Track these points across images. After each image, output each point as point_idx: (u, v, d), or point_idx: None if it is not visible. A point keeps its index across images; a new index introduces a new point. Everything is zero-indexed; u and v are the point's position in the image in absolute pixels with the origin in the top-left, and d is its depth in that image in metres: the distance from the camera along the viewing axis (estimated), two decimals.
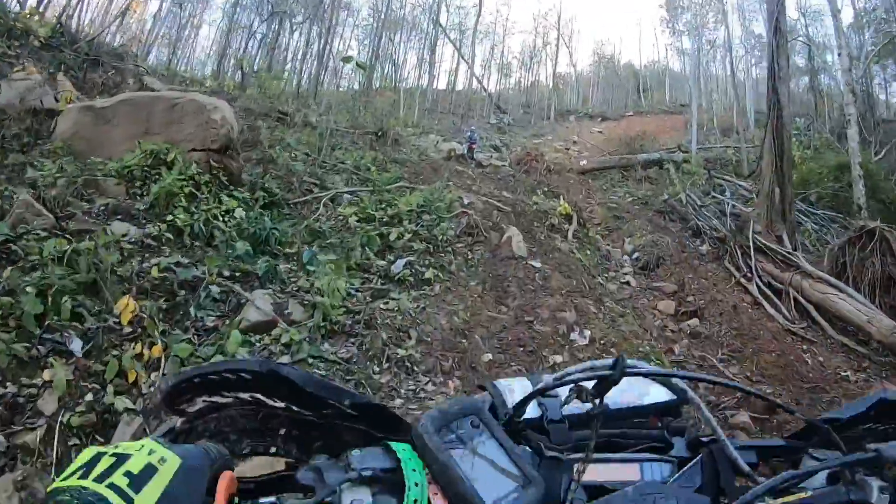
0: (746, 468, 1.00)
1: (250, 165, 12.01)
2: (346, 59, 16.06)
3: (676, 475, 1.06)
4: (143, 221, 8.46)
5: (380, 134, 22.11)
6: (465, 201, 14.05)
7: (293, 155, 14.57)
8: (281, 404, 1.01)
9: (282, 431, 1.05)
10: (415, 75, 54.02)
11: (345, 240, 10.34)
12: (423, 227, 11.55)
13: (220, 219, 9.17)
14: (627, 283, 13.58)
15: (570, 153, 33.88)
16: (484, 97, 50.42)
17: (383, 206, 12.33)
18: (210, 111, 10.33)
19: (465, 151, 25.56)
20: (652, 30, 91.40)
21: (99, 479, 0.69)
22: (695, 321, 11.64)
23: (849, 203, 19.21)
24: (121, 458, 0.73)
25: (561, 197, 18.05)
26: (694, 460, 1.07)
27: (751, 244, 13.90)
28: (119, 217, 8.31)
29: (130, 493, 0.68)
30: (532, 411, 1.09)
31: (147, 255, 7.66)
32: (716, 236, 16.03)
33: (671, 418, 1.19)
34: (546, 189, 21.11)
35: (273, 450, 1.06)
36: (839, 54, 24.28)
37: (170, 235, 8.19)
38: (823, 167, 22.11)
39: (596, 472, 1.01)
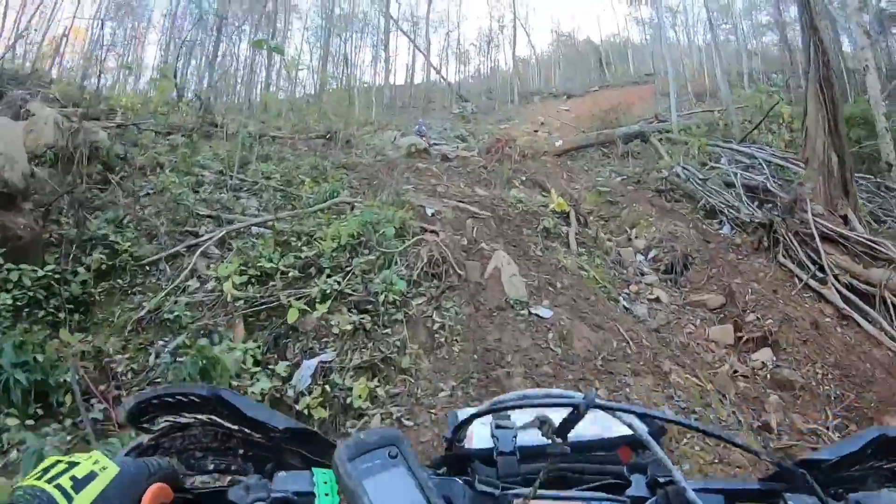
0: None
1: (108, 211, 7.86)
2: (258, 44, 11.85)
3: None
4: None
5: (329, 137, 18.09)
6: (429, 211, 9.94)
7: (196, 178, 10.26)
8: (235, 426, 1.02)
9: (240, 451, 1.06)
10: (371, 73, 49.12)
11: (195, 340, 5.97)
12: (357, 278, 7.18)
13: None
14: (657, 299, 9.48)
15: (539, 135, 30.72)
16: (444, 88, 46.00)
17: (300, 243, 8.06)
18: None
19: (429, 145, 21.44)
20: (609, 1, 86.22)
21: (50, 481, 0.74)
22: (767, 354, 7.80)
23: (871, 161, 16.09)
24: (71, 465, 0.77)
25: (551, 190, 13.64)
26: (648, 502, 0.95)
27: (813, 230, 9.67)
28: None
29: (72, 493, 0.74)
30: (484, 442, 1.06)
31: None
32: (756, 221, 11.68)
33: (642, 451, 1.09)
34: (524, 178, 17.22)
35: (234, 467, 1.06)
36: None
37: None
38: None
39: None
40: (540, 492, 0.90)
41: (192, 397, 0.99)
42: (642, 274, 10.62)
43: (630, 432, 0.90)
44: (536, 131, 31.97)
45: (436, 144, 23.84)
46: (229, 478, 1.04)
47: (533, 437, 1.00)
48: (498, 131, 28.31)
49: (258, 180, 11.35)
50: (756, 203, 14.69)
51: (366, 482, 0.79)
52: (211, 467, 1.06)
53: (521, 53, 58.30)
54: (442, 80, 47.36)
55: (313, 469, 0.90)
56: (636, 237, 12.72)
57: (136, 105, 17.87)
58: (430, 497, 0.80)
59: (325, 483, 0.87)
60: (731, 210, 14.08)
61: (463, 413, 1.09)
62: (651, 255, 11.58)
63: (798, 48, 34.37)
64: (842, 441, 1.07)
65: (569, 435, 0.89)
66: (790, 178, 15.54)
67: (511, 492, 0.94)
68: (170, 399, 1.00)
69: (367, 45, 50.18)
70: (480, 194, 13.18)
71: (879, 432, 0.99)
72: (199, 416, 1.03)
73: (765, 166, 16.17)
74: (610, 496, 0.96)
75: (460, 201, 11.32)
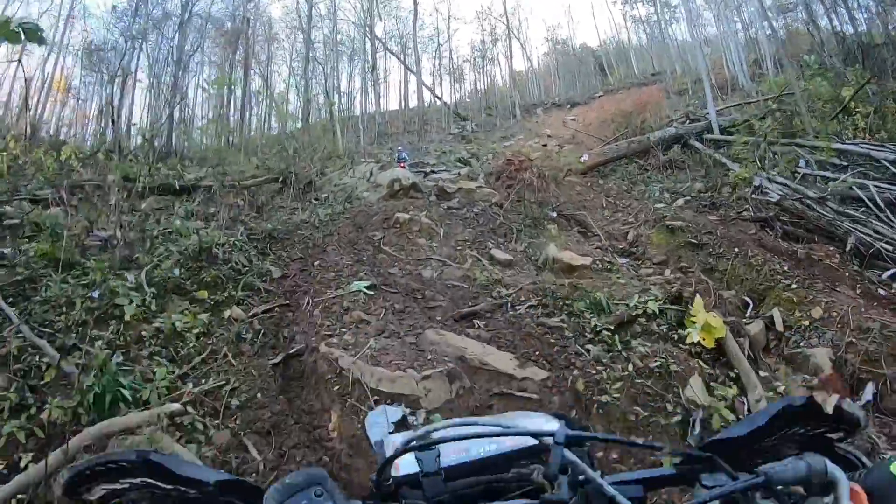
0: None
1: None
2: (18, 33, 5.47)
3: None
4: None
5: (282, 180, 11.64)
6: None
7: None
8: (169, 486, 0.93)
9: None
10: (362, 100, 42.08)
11: None
12: None
13: None
14: None
15: (549, 149, 24.23)
16: (440, 108, 39.21)
17: None
18: None
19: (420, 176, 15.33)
20: (604, 2, 77.17)
21: None
22: None
23: None
24: None
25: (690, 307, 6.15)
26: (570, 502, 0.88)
27: None
28: None
29: None
30: (410, 466, 0.99)
31: None
32: None
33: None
34: (555, 213, 11.46)
35: None
36: None
37: None
38: None
39: None
40: None
41: (123, 463, 0.91)
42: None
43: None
44: (545, 145, 25.81)
45: (433, 172, 18.51)
46: None
47: (456, 456, 0.98)
48: (505, 150, 22.37)
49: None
50: None
51: None
52: None
53: (517, 66, 50.99)
54: (437, 99, 40.57)
55: None
56: (785, 326, 6.28)
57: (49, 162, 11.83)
58: None
59: None
60: None
61: (388, 441, 1.08)
62: (868, 393, 4.99)
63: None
64: (752, 416, 1.00)
65: (494, 447, 0.96)
66: None
67: None
68: (102, 467, 0.91)
69: (357, 71, 43.10)
70: (500, 264, 6.84)
71: (785, 403, 0.98)
72: (133, 481, 0.93)
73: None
74: (529, 502, 0.91)
75: (467, 315, 4.72)
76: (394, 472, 0.98)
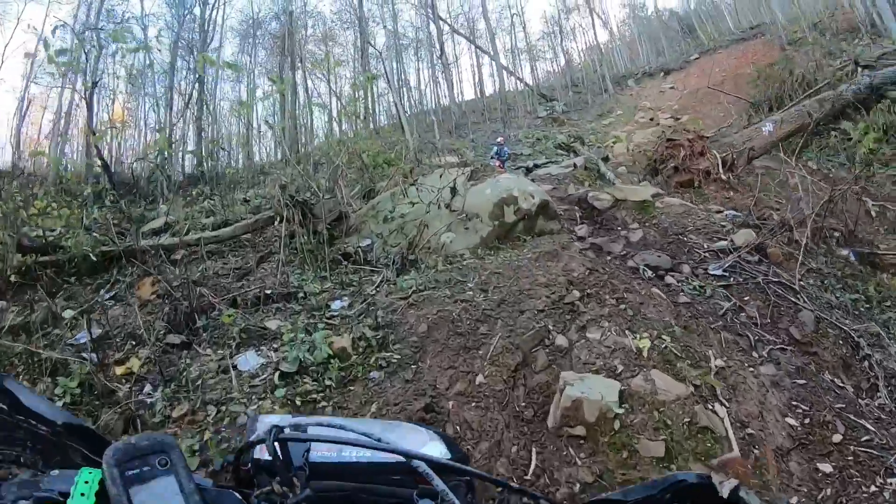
0: None
1: None
2: None
3: None
4: None
5: (280, 220, 6.53)
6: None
7: None
8: (20, 417, 0.82)
9: (28, 443, 0.84)
10: (433, 92, 35.40)
11: None
12: None
13: None
14: None
15: (662, 124, 18.27)
16: (521, 91, 32.73)
17: None
18: None
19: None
20: None
21: None
22: None
23: None
24: None
25: None
26: None
27: None
28: None
29: None
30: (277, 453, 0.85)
31: None
32: None
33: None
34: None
35: (22, 459, 0.83)
36: None
37: None
38: None
39: None
40: None
41: None
42: None
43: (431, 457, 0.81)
44: (652, 119, 21.17)
45: (536, 167, 13.70)
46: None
47: (324, 454, 0.87)
48: (606, 128, 19.42)
49: None
50: None
51: (132, 489, 0.65)
52: None
53: (596, 39, 42.89)
54: (518, 81, 33.72)
55: (82, 468, 0.69)
56: None
57: None
58: None
59: (86, 483, 0.66)
60: None
61: (264, 421, 0.95)
62: None
63: None
64: (645, 483, 0.91)
65: (367, 455, 0.84)
66: None
67: None
68: None
69: (425, 64, 36.26)
70: None
71: (680, 477, 0.89)
72: None
73: None
74: None
75: None
76: (258, 454, 0.86)
